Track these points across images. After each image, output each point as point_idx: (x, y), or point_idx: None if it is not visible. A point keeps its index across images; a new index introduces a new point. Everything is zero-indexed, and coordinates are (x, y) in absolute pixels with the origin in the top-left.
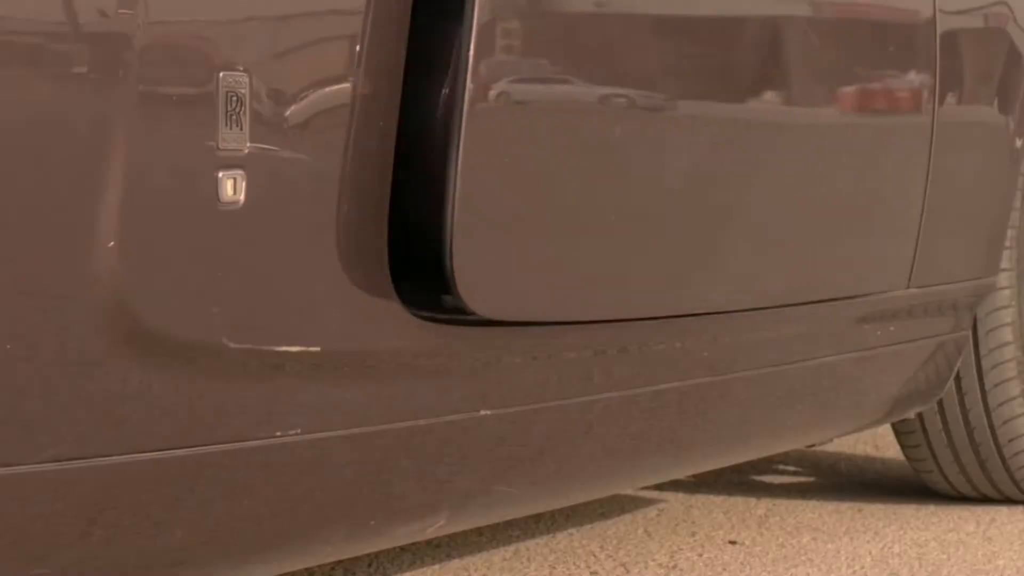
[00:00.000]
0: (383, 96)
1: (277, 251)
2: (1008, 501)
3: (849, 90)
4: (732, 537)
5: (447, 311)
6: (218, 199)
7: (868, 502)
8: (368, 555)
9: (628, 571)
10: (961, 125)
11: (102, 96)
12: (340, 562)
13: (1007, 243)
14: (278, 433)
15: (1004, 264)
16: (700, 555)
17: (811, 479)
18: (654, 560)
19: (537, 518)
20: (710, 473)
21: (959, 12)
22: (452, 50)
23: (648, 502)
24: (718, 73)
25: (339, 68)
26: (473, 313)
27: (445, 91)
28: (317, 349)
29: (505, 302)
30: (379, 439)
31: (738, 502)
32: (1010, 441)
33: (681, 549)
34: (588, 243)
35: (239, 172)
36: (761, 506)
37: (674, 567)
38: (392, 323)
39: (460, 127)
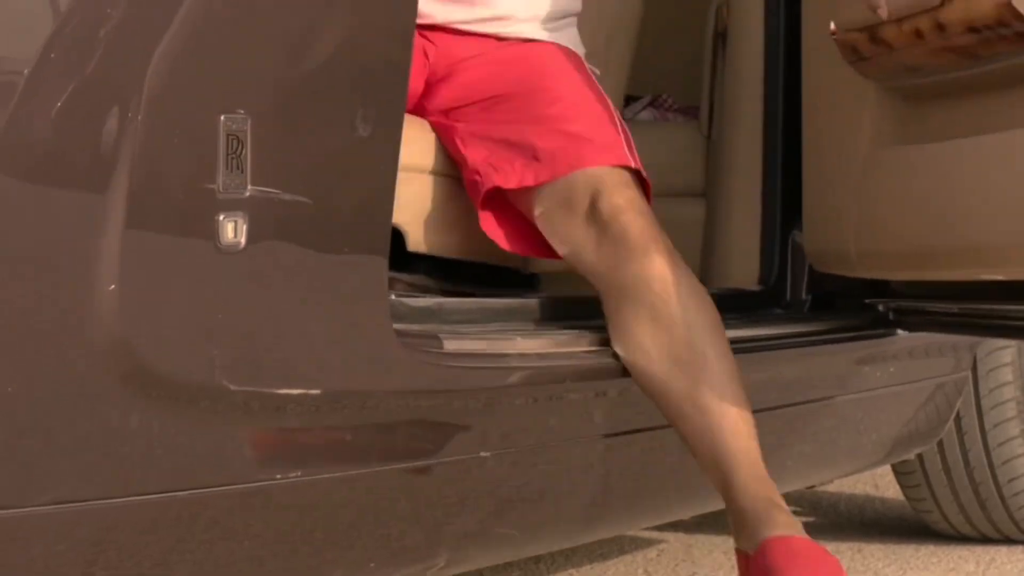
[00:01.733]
0: (384, 139)
1: (277, 293)
2: (1008, 541)
3: None
4: None
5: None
6: (219, 242)
7: (868, 542)
8: None
9: None
10: None
11: (103, 139)
12: None
13: None
14: (278, 476)
15: None
16: None
17: (811, 519)
18: None
19: (537, 559)
20: (710, 513)
21: None
22: None
23: (648, 543)
24: None
25: (341, 111)
26: None
27: None
28: (317, 391)
29: None
30: (379, 480)
31: None
32: (1010, 481)
33: None
34: None
35: (240, 215)
36: None
37: None
38: (392, 365)
39: None
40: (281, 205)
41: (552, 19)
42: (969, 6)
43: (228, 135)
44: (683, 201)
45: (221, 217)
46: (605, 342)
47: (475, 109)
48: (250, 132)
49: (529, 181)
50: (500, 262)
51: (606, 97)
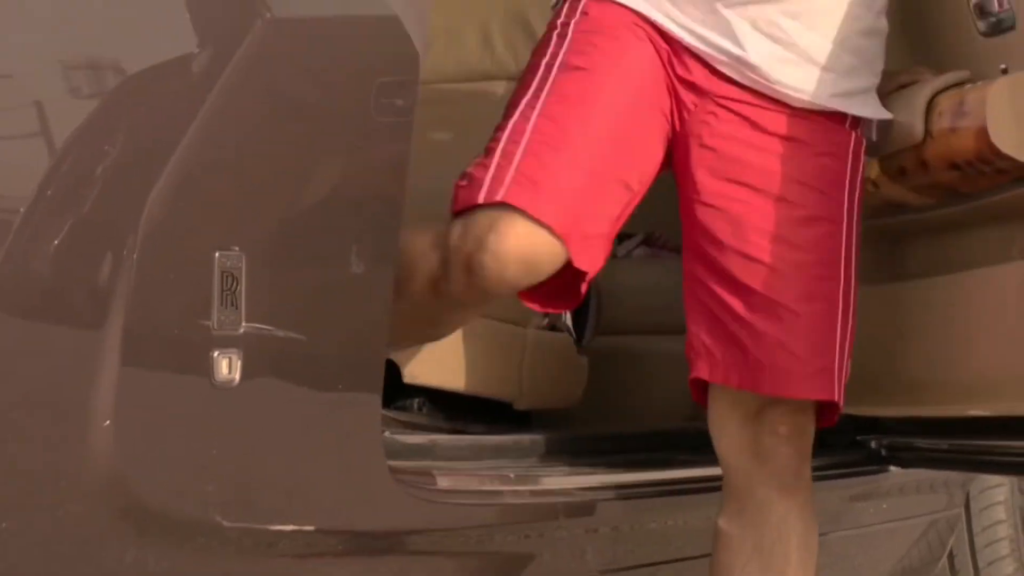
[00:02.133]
0: (377, 275)
1: (271, 430)
2: None
3: None
4: None
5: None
6: (213, 378)
7: None
8: None
9: None
10: None
11: (99, 277)
12: None
13: None
14: None
15: None
16: None
17: None
18: None
19: None
20: None
21: None
22: None
23: None
24: None
25: (334, 248)
26: None
27: None
28: (311, 528)
29: None
30: None
31: None
32: None
33: None
34: None
35: (234, 351)
36: None
37: None
38: (386, 502)
39: None
40: (275, 341)
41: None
42: (950, 143)
43: (223, 272)
44: (677, 339)
45: (216, 353)
46: (597, 480)
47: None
48: (245, 269)
49: (732, 383)
50: (493, 395)
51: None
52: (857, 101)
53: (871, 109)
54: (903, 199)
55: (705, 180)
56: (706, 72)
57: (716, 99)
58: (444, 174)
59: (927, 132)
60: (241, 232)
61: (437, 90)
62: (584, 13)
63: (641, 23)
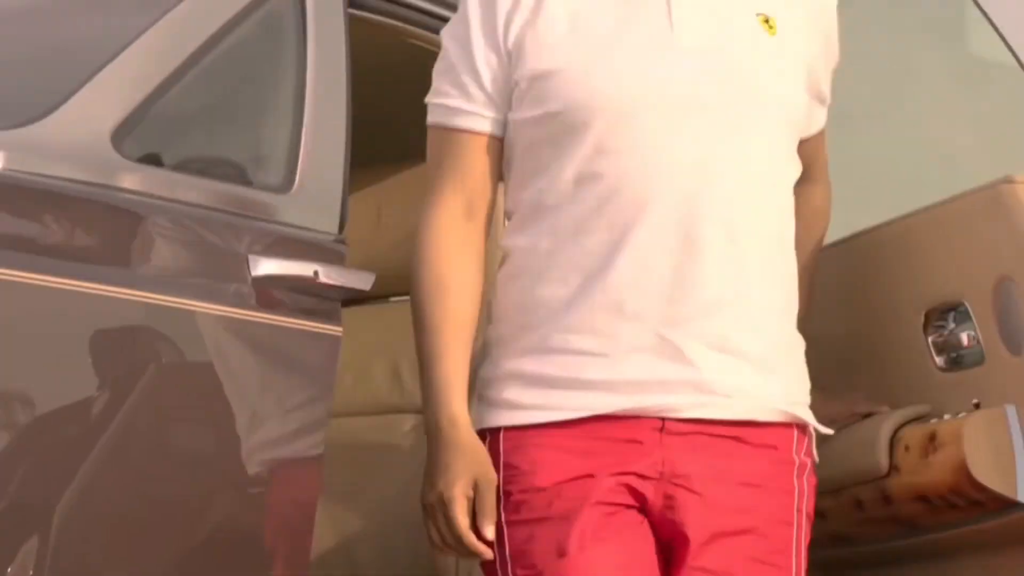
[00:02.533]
0: None
1: None
2: None
3: None
4: None
5: None
6: None
7: None
8: None
9: None
10: None
11: None
12: None
13: None
14: None
15: None
16: None
17: None
18: None
19: None
20: None
21: None
22: None
23: None
24: None
25: None
26: None
27: None
28: None
29: None
30: None
31: None
32: None
33: None
34: None
35: None
36: None
37: None
38: None
39: None
40: None
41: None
42: (921, 476)
43: None
44: None
45: None
46: None
47: None
48: None
49: None
50: None
51: None
52: (807, 411)
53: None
54: (851, 532)
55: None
56: (651, 431)
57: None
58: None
59: (892, 466)
60: None
61: (346, 423)
62: (510, 468)
63: (570, 441)
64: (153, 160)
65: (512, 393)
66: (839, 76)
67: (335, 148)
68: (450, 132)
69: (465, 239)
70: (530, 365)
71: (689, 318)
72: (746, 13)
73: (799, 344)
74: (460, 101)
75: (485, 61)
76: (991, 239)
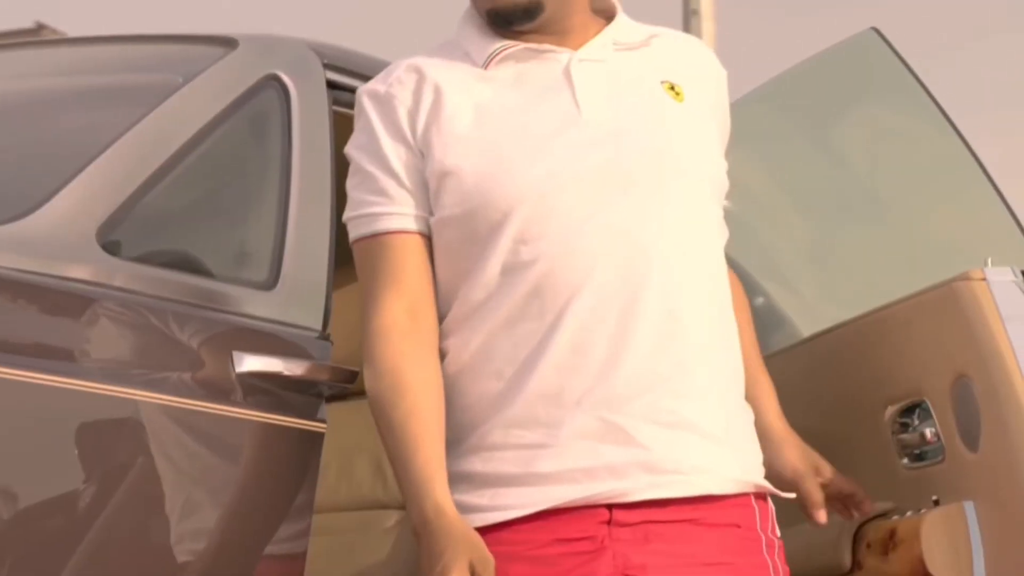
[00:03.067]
0: None
1: None
2: None
3: None
4: None
5: None
6: None
7: None
8: None
9: None
10: None
11: None
12: None
13: None
14: None
15: None
16: None
17: None
18: None
19: None
20: None
21: None
22: None
23: None
24: None
25: None
26: None
27: None
28: None
29: None
30: None
31: None
32: None
33: None
34: None
35: None
36: None
37: None
38: None
39: None
40: None
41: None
42: (881, 572)
43: None
44: None
45: None
46: None
47: None
48: None
49: None
50: None
51: None
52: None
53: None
54: None
55: None
56: (600, 525)
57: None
58: None
59: (855, 562)
60: None
61: (329, 519)
62: None
63: (524, 548)
64: (139, 257)
65: (463, 495)
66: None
67: (320, 245)
68: (378, 239)
69: (415, 341)
70: (477, 465)
71: (630, 397)
72: (652, 83)
73: (748, 413)
74: (382, 206)
75: (398, 157)
76: (949, 336)
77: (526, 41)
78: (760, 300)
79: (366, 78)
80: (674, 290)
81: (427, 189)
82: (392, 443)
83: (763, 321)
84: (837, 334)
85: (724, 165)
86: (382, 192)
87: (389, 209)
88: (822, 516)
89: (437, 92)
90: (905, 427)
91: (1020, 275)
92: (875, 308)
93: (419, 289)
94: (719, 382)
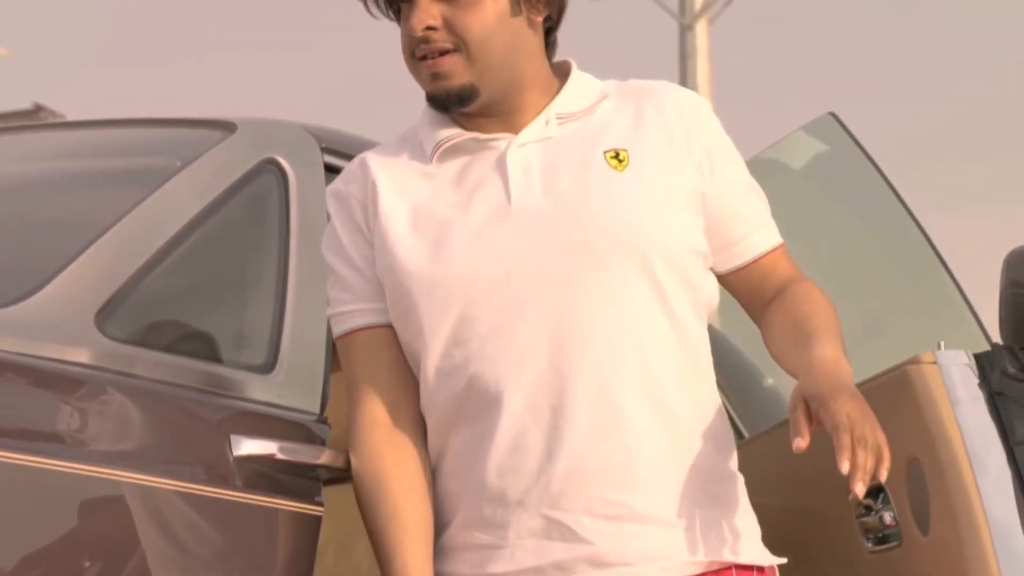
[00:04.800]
0: None
1: None
2: None
3: None
4: None
5: None
6: None
7: None
8: None
9: None
10: None
11: None
12: None
13: None
14: None
15: None
16: None
17: None
18: None
19: None
20: None
21: None
22: None
23: None
24: None
25: None
26: None
27: None
28: None
29: None
30: None
31: None
32: None
33: None
34: None
35: None
36: None
37: None
38: None
39: None
40: None
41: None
42: None
43: None
44: None
45: None
46: None
47: None
48: None
49: None
50: None
51: None
52: (744, 546)
53: (757, 554)
54: None
55: None
56: None
57: None
58: None
59: None
60: None
61: None
62: None
63: None
64: (137, 340)
65: None
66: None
67: (317, 328)
68: (351, 336)
69: (395, 439)
70: (446, 566)
71: (570, 492)
72: (592, 155)
73: (724, 479)
74: (351, 303)
75: (359, 253)
76: (902, 420)
77: (472, 128)
78: (769, 381)
79: None
80: (610, 376)
81: None
82: (375, 543)
83: (758, 402)
84: None
85: (688, 224)
86: (348, 288)
87: (357, 306)
88: (799, 443)
89: (376, 190)
90: (869, 510)
91: (973, 358)
92: None
93: (394, 383)
94: (672, 466)
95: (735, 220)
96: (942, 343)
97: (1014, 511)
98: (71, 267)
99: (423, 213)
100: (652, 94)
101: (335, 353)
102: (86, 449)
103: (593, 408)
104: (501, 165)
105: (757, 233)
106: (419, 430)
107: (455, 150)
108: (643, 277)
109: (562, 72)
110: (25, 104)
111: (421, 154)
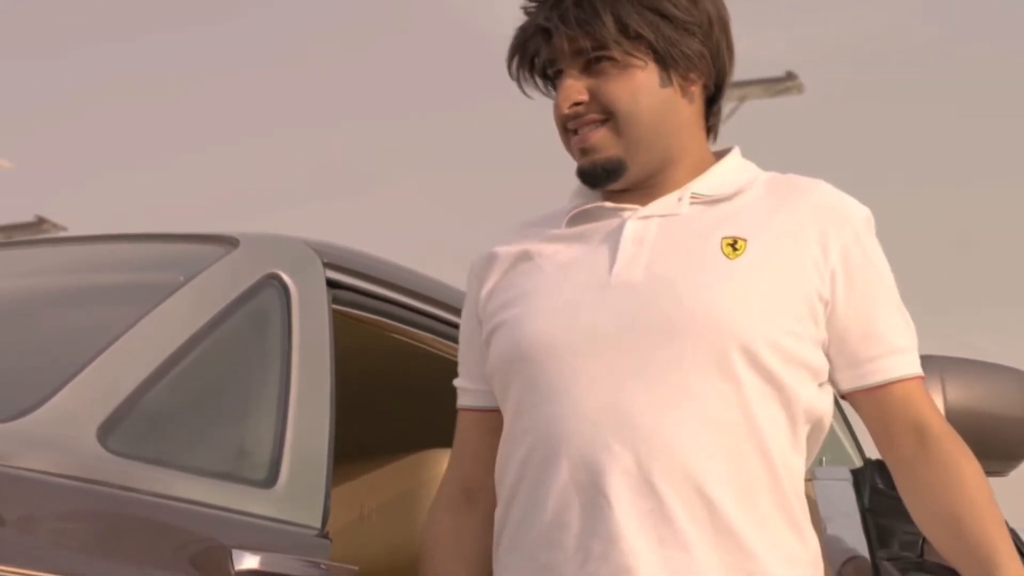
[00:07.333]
0: None
1: None
2: None
3: None
4: None
5: None
6: None
7: None
8: None
9: None
10: None
11: None
12: None
13: None
14: None
15: None
16: None
17: None
18: None
19: None
20: None
21: None
22: None
23: None
24: None
25: None
26: None
27: None
28: None
29: None
30: None
31: None
32: None
33: None
34: None
35: None
36: None
37: None
38: None
39: None
40: None
41: None
42: None
43: None
44: None
45: None
46: None
47: None
48: None
49: None
50: None
51: None
52: None
53: None
54: None
55: None
56: None
57: None
58: None
59: None
60: None
61: None
62: None
63: None
64: (139, 455)
65: None
66: None
67: (319, 444)
68: (460, 413)
69: (459, 527)
70: None
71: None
72: (709, 240)
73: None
74: (463, 379)
75: (472, 331)
76: None
77: (613, 199)
78: None
79: (366, 277)
80: (656, 468)
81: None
82: None
83: None
84: None
85: (786, 328)
86: (465, 365)
87: (464, 384)
88: None
89: (509, 256)
90: None
91: (851, 475)
92: None
93: (475, 468)
94: (716, 561)
95: (866, 340)
96: (823, 459)
97: None
98: (75, 381)
99: (536, 271)
100: (798, 189)
101: (336, 467)
102: (86, 564)
103: (633, 495)
104: (616, 235)
105: (891, 357)
106: (489, 513)
107: (584, 217)
108: (719, 368)
109: (722, 156)
110: (28, 216)
111: (558, 222)
